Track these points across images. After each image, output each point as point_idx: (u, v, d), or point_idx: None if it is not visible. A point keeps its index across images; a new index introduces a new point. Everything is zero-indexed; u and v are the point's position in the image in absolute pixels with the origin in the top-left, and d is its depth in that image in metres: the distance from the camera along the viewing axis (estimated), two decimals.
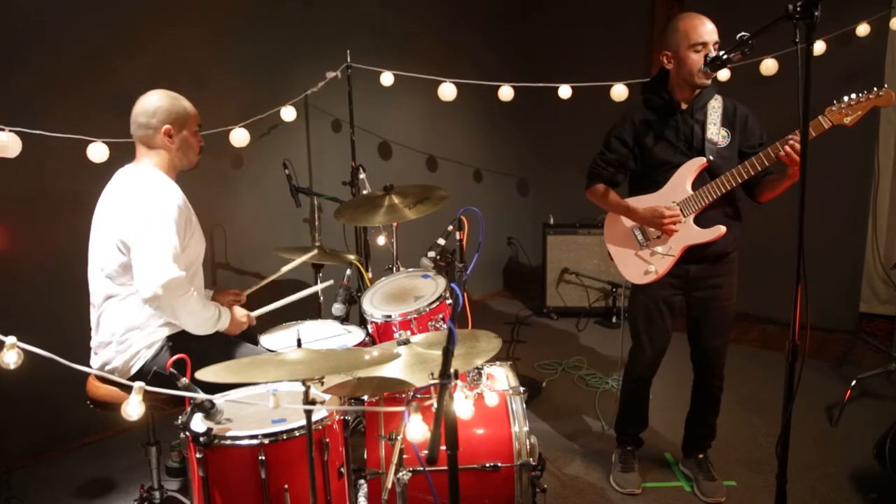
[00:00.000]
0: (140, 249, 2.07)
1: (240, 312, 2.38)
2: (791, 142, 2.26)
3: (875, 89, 2.28)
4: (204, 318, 2.20)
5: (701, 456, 2.81)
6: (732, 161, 2.48)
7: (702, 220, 2.51)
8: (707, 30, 2.39)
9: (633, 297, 2.74)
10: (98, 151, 3.01)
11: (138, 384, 1.77)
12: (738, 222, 2.58)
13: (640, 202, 2.60)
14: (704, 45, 2.38)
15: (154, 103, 2.25)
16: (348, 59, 3.99)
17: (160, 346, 2.22)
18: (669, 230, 2.52)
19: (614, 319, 4.84)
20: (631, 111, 2.62)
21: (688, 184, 2.50)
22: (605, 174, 2.65)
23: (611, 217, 2.74)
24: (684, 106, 2.51)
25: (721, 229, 2.47)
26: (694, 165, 2.49)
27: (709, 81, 2.44)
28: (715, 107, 2.50)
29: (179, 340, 2.23)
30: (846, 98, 2.29)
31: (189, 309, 2.14)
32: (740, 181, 2.40)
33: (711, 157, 2.47)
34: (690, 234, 2.51)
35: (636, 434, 2.93)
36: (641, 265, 2.61)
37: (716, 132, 2.48)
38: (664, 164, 2.53)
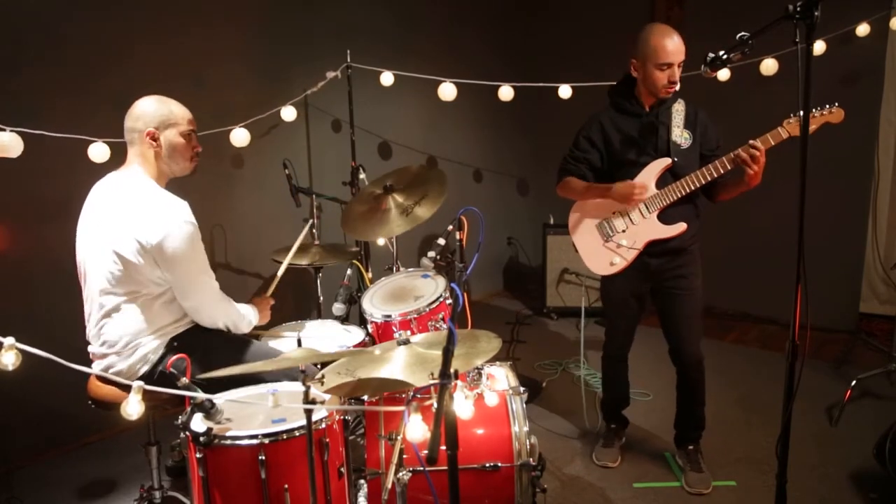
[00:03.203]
0: (188, 278, 2.18)
1: (259, 305, 2.53)
2: (751, 150, 2.39)
3: (828, 106, 2.42)
4: (245, 318, 2.38)
5: (691, 447, 2.85)
6: (694, 162, 2.64)
7: (664, 217, 2.65)
8: (674, 50, 2.51)
9: (605, 289, 2.92)
10: (99, 151, 3.01)
11: (137, 384, 1.77)
12: (698, 219, 2.71)
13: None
14: (670, 65, 2.52)
15: (140, 107, 2.22)
16: (348, 59, 3.99)
17: (165, 348, 2.22)
18: (635, 201, 2.63)
19: None
20: (598, 113, 2.76)
21: (652, 183, 2.64)
22: (574, 170, 2.79)
23: (576, 211, 2.87)
24: (649, 109, 2.65)
25: (682, 226, 2.62)
26: (659, 166, 2.63)
27: (671, 94, 2.58)
28: (678, 110, 2.65)
29: (183, 340, 2.23)
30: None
31: (229, 310, 2.32)
32: (703, 182, 2.55)
33: (676, 159, 2.61)
34: (654, 229, 2.66)
35: (618, 411, 3.06)
36: (607, 257, 2.74)
37: (679, 134, 2.64)
38: (630, 164, 2.67)
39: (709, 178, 2.53)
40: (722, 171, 2.51)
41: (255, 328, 2.49)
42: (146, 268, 2.13)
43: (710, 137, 2.66)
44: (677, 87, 2.57)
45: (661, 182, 2.63)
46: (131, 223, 2.11)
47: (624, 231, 2.71)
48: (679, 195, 2.59)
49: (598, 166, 2.75)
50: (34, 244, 3.06)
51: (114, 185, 2.24)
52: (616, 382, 3.04)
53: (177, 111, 2.27)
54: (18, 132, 2.76)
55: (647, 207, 2.65)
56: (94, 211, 2.23)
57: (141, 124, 2.21)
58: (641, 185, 2.61)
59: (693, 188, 2.56)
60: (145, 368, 2.20)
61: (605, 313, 3.02)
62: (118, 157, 2.92)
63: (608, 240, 2.74)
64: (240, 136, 3.57)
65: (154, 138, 2.22)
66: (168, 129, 2.23)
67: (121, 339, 2.19)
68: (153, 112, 2.22)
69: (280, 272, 2.74)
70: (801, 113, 1.72)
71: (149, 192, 2.19)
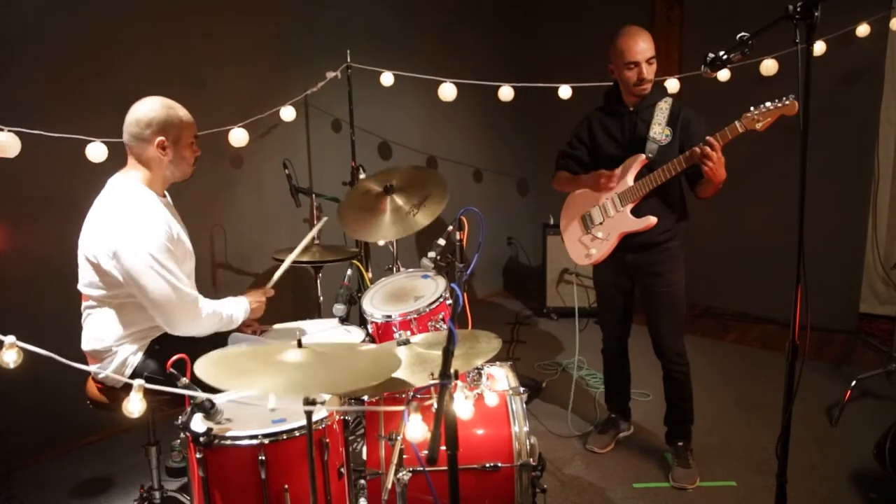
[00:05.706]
0: (149, 294, 2.06)
1: (252, 297, 2.43)
2: (703, 146, 2.44)
3: (783, 98, 2.39)
4: (225, 321, 2.27)
5: (680, 444, 2.87)
6: (673, 158, 2.65)
7: (638, 211, 2.73)
8: (639, 49, 2.59)
9: (594, 281, 3.11)
10: (97, 151, 3.01)
11: (138, 382, 1.77)
12: (674, 215, 2.77)
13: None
14: (637, 64, 2.60)
15: (148, 113, 2.14)
16: (348, 59, 3.99)
17: (146, 353, 2.20)
18: (606, 187, 2.74)
19: None
20: (590, 113, 2.91)
21: (630, 177, 2.73)
22: (563, 165, 2.98)
23: (565, 205, 3.03)
24: (633, 108, 2.74)
25: (651, 220, 2.69)
26: (634, 161, 2.72)
27: (646, 91, 2.66)
28: (663, 108, 2.71)
29: (165, 342, 2.20)
30: (762, 106, 2.42)
31: (210, 321, 2.20)
32: (668, 177, 2.61)
33: (650, 155, 2.68)
34: (626, 222, 2.75)
35: (619, 403, 3.16)
36: (584, 247, 2.90)
37: (659, 131, 2.69)
38: (611, 159, 2.77)
39: (669, 175, 2.59)
40: (680, 169, 2.56)
41: (251, 322, 2.46)
42: (113, 273, 2.09)
43: (692, 133, 2.66)
44: (649, 87, 2.64)
45: (640, 178, 2.70)
46: (104, 230, 2.08)
47: (601, 223, 2.83)
48: (648, 189, 2.66)
49: (585, 161, 2.90)
50: (33, 243, 3.05)
51: (110, 193, 2.19)
52: (612, 375, 3.13)
53: (185, 118, 2.20)
54: (16, 132, 2.75)
55: (620, 201, 2.75)
56: (90, 215, 2.21)
57: (149, 132, 2.14)
58: (609, 174, 2.71)
59: (657, 184, 2.63)
60: (129, 371, 2.18)
61: (597, 304, 3.14)
62: (116, 156, 2.93)
63: (587, 231, 2.88)
64: (238, 136, 3.57)
65: (163, 147, 2.16)
66: (178, 137, 2.19)
67: (101, 342, 2.17)
68: (163, 119, 2.15)
69: (284, 266, 2.67)
70: (801, 114, 1.71)
71: (133, 208, 2.11)
